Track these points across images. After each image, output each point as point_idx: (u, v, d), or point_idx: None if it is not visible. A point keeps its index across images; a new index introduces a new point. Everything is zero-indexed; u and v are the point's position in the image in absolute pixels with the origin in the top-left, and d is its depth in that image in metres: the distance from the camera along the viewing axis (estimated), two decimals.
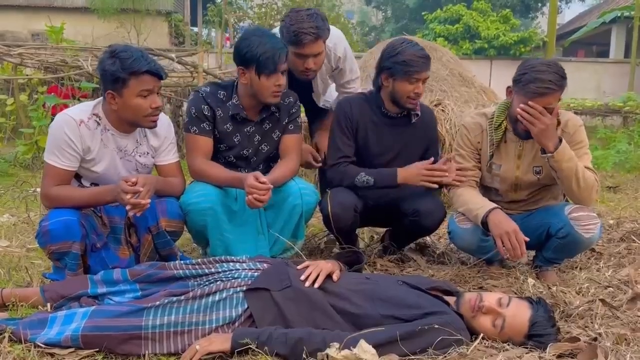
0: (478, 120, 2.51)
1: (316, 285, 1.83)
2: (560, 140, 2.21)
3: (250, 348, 1.63)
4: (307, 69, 2.59)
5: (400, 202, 2.57)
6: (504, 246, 2.20)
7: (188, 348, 1.66)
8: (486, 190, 2.54)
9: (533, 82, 2.16)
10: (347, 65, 2.92)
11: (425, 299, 1.83)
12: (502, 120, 2.41)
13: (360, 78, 3.15)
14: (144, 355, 1.67)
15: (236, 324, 1.76)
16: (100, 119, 2.23)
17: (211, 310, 1.76)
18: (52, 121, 5.56)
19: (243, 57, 2.35)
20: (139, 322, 1.70)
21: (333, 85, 3.08)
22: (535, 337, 1.73)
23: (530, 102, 2.17)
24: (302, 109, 3.32)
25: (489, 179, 2.51)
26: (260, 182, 2.22)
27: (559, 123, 2.35)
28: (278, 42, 2.35)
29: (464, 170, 2.48)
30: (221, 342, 1.65)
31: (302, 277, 1.85)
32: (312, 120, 3.31)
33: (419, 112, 2.60)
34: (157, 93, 2.21)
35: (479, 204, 2.33)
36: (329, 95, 3.11)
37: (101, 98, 2.26)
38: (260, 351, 1.63)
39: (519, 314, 1.76)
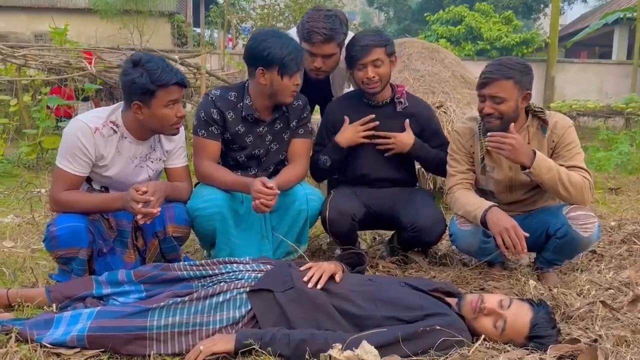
0: (470, 125, 2.53)
1: (319, 286, 1.84)
2: (535, 153, 2.23)
3: (254, 349, 1.64)
4: (316, 67, 2.62)
5: (400, 214, 2.57)
6: (504, 244, 2.21)
7: (192, 348, 1.68)
8: (483, 193, 2.55)
9: (480, 76, 2.36)
10: None
11: (427, 301, 1.85)
12: None
13: None
14: (148, 356, 1.69)
15: (239, 324, 1.77)
16: (117, 127, 2.24)
17: (215, 311, 1.78)
18: (56, 123, 5.58)
19: (264, 58, 2.34)
20: (144, 323, 1.72)
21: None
22: (536, 338, 1.75)
23: (489, 133, 2.27)
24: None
25: (484, 182, 2.52)
26: (267, 187, 2.23)
27: (545, 122, 2.38)
28: (297, 43, 2.43)
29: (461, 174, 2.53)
30: (225, 342, 1.67)
31: (305, 278, 1.86)
32: None
33: (402, 100, 2.66)
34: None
35: (476, 204, 2.34)
36: None
37: (118, 105, 2.28)
38: (263, 352, 1.64)
39: (520, 315, 1.78)
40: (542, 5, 21.22)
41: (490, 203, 2.33)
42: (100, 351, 1.69)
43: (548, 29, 15.26)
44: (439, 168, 2.70)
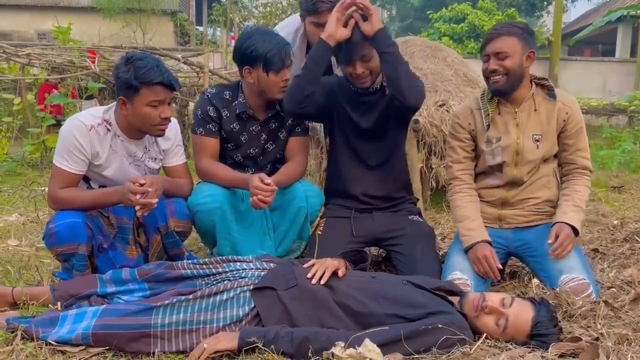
0: (467, 104, 2.50)
1: (322, 281, 1.85)
2: (573, 227, 2.23)
3: (257, 347, 1.66)
4: None
5: (397, 262, 2.45)
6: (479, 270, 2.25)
7: (196, 346, 1.69)
8: (487, 173, 2.46)
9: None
10: None
11: (429, 299, 1.86)
12: None
13: None
14: (153, 354, 1.70)
15: (243, 322, 1.78)
16: (110, 125, 2.26)
17: (219, 309, 1.79)
18: (55, 122, 5.57)
19: (249, 55, 2.38)
20: (148, 321, 1.73)
21: None
22: (537, 336, 1.75)
23: (549, 242, 2.20)
24: None
25: (490, 156, 2.40)
26: (265, 184, 2.24)
27: (550, 89, 2.36)
28: (281, 39, 2.42)
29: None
30: (228, 340, 1.68)
31: (309, 275, 1.87)
32: None
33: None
34: (169, 103, 2.23)
35: (472, 229, 2.31)
36: None
37: (113, 104, 2.30)
38: (267, 350, 1.66)
39: (522, 313, 1.79)
40: (545, 3, 21.19)
41: (484, 237, 2.28)
42: (105, 349, 1.71)
43: (551, 26, 15.22)
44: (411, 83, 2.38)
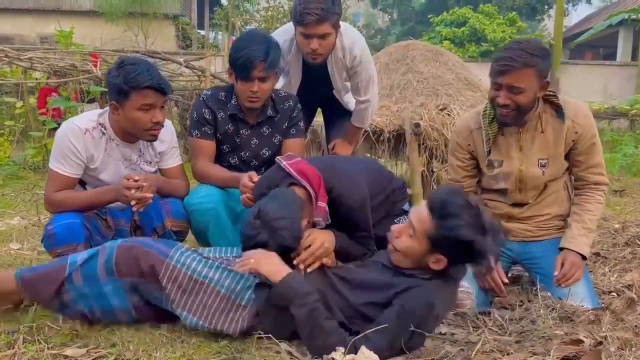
0: (466, 123, 2.34)
1: (309, 270, 1.88)
2: (581, 253, 2.20)
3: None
4: (312, 49, 2.60)
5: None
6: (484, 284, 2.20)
7: (192, 304, 1.81)
8: (494, 194, 2.38)
9: (495, 60, 2.08)
10: (363, 70, 2.86)
11: (397, 278, 1.82)
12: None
13: (374, 97, 3.05)
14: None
15: (242, 310, 1.82)
16: (105, 129, 2.26)
17: (227, 275, 1.86)
18: (56, 125, 5.59)
19: (229, 57, 2.41)
20: (168, 252, 1.86)
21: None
22: (446, 217, 1.70)
23: (555, 274, 2.17)
24: (320, 110, 3.34)
25: (493, 180, 2.31)
26: (252, 182, 2.24)
27: (559, 107, 2.16)
28: (260, 50, 2.32)
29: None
30: (275, 271, 1.75)
31: (296, 262, 1.88)
32: (330, 121, 3.29)
33: (322, 222, 2.23)
34: (161, 107, 2.22)
35: None
36: (348, 98, 3.10)
37: (108, 108, 2.30)
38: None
39: (419, 208, 1.80)
40: (546, 7, 21.23)
41: None
42: (107, 352, 1.71)
43: (552, 30, 15.24)
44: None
